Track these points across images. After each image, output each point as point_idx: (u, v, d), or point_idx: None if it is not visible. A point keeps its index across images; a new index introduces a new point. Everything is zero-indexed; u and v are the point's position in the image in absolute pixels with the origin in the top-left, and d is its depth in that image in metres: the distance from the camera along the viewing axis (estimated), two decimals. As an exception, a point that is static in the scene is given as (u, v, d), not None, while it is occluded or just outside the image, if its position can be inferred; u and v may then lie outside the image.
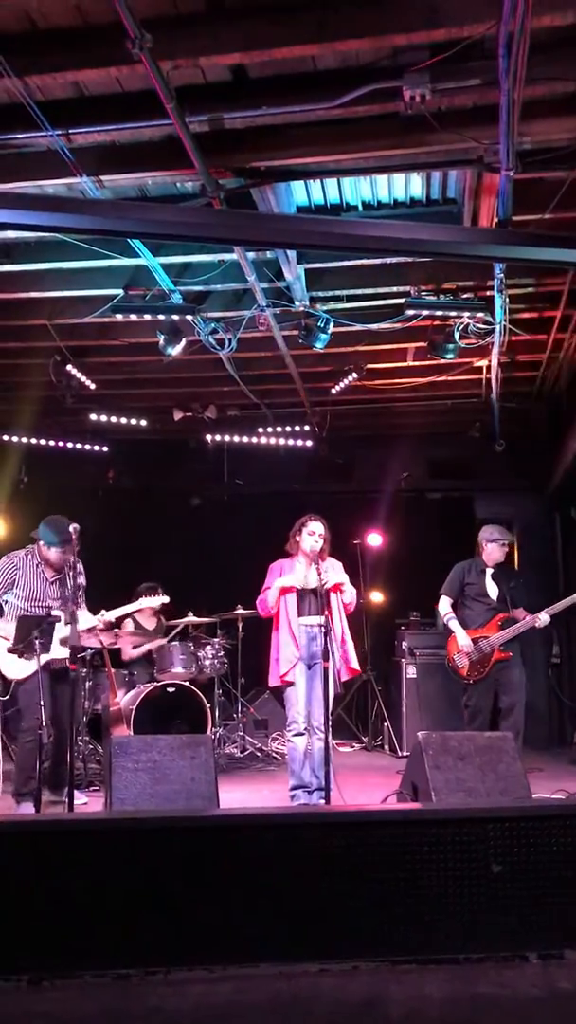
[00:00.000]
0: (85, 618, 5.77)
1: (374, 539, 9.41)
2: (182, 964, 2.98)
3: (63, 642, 5.45)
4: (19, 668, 5.57)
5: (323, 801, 5.16)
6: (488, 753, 4.22)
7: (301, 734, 5.54)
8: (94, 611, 5.94)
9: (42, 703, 5.02)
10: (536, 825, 3.28)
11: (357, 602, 5.89)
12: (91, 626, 5.80)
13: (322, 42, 3.80)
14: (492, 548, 6.62)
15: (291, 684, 5.59)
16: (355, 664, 5.67)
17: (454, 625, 6.57)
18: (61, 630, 5.46)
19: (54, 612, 5.55)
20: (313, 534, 5.70)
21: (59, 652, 5.50)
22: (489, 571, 6.64)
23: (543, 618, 6.31)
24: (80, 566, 5.78)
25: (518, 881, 3.22)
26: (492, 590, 6.59)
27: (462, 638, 6.47)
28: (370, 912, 3.14)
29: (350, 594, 5.70)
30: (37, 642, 5.12)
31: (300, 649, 5.59)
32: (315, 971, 3.00)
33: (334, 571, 5.72)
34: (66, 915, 3.02)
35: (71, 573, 5.55)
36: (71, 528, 5.33)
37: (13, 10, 3.69)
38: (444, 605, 6.72)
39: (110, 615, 5.94)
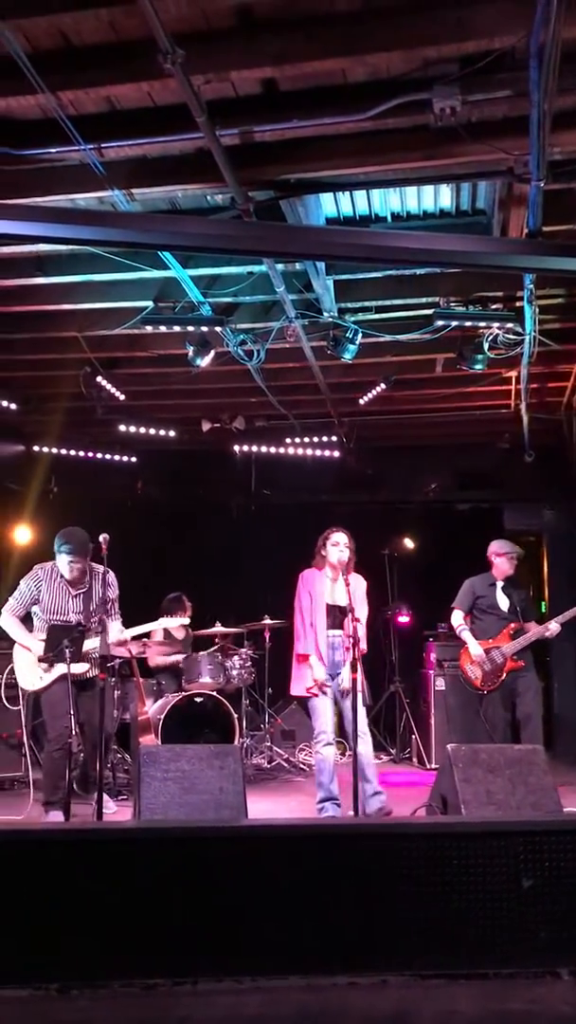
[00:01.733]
0: (115, 630, 5.75)
1: (405, 544, 9.37)
2: (210, 975, 2.98)
3: (83, 656, 5.48)
4: (36, 679, 5.58)
5: (382, 806, 5.18)
6: (518, 766, 4.19)
7: (330, 744, 5.54)
8: (124, 623, 5.95)
9: (70, 712, 5.04)
10: (567, 839, 3.24)
11: (379, 615, 5.84)
12: (117, 640, 5.78)
13: (352, 55, 3.82)
14: (501, 562, 6.77)
15: (315, 695, 5.60)
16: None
17: (466, 636, 6.73)
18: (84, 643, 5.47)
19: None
20: (338, 545, 5.71)
21: (77, 666, 5.41)
22: (499, 584, 6.79)
23: (553, 627, 6.45)
24: (111, 578, 5.79)
25: (549, 896, 3.18)
26: (503, 602, 6.74)
27: (474, 649, 6.62)
28: (399, 925, 3.12)
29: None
30: (67, 651, 5.14)
31: (324, 663, 5.60)
32: (344, 984, 2.98)
33: (358, 601, 5.67)
34: (94, 924, 3.03)
35: (97, 586, 5.59)
36: (101, 539, 5.34)
37: (47, 28, 3.74)
38: (456, 618, 6.88)
39: (128, 633, 5.87)
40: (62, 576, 5.69)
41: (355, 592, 5.61)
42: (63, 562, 5.64)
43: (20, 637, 5.64)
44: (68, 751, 5.08)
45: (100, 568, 5.66)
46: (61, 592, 5.70)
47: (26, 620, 5.75)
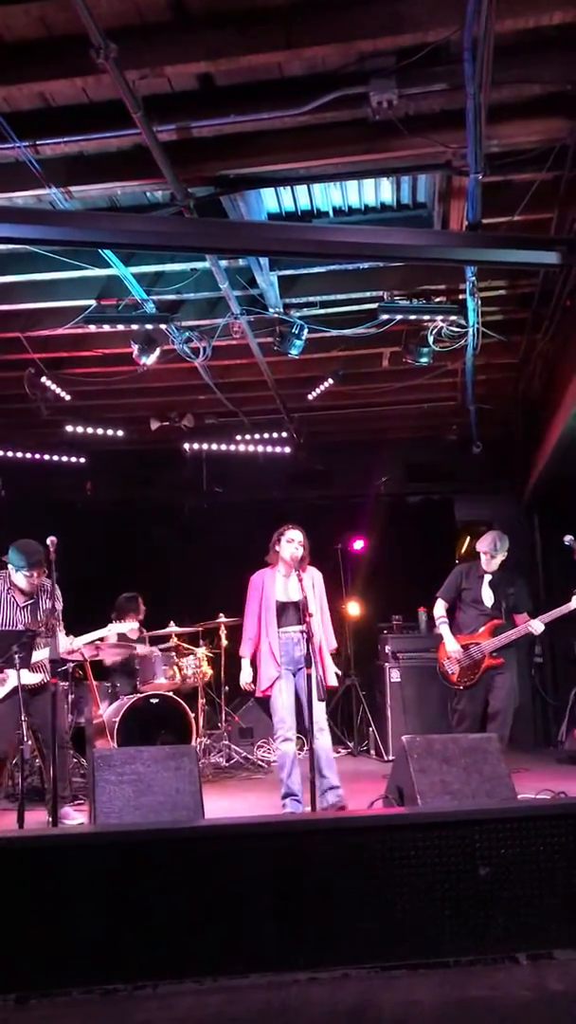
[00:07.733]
0: (62, 640, 5.63)
1: (356, 544, 9.43)
2: (171, 977, 2.96)
3: (35, 667, 5.41)
4: None
5: (338, 800, 5.23)
6: (473, 755, 4.22)
7: (288, 740, 5.54)
8: (72, 628, 5.88)
9: (18, 730, 4.99)
10: (521, 826, 3.28)
11: (334, 612, 5.91)
12: (66, 651, 5.69)
13: (288, 49, 3.80)
14: (484, 559, 6.54)
15: (273, 696, 5.64)
16: (331, 680, 5.76)
17: (444, 631, 6.52)
18: (35, 653, 5.39)
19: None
20: (292, 541, 5.72)
21: (29, 678, 5.34)
22: (487, 577, 6.54)
23: (536, 626, 6.25)
24: (57, 590, 5.73)
25: (505, 882, 3.22)
26: (487, 597, 6.50)
27: (450, 644, 6.43)
28: (359, 918, 3.13)
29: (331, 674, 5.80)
30: (17, 657, 5.05)
31: (280, 664, 5.61)
32: (305, 980, 2.98)
33: (316, 595, 5.74)
34: (52, 931, 2.99)
35: (44, 597, 5.57)
36: (48, 542, 5.23)
37: (-24, 23, 3.67)
38: (439, 608, 6.67)
39: (78, 643, 5.84)
40: (9, 588, 5.65)
41: (311, 586, 5.62)
42: (19, 577, 5.59)
43: None
44: (23, 757, 5.01)
45: (48, 582, 5.60)
46: (9, 604, 5.65)
47: None
